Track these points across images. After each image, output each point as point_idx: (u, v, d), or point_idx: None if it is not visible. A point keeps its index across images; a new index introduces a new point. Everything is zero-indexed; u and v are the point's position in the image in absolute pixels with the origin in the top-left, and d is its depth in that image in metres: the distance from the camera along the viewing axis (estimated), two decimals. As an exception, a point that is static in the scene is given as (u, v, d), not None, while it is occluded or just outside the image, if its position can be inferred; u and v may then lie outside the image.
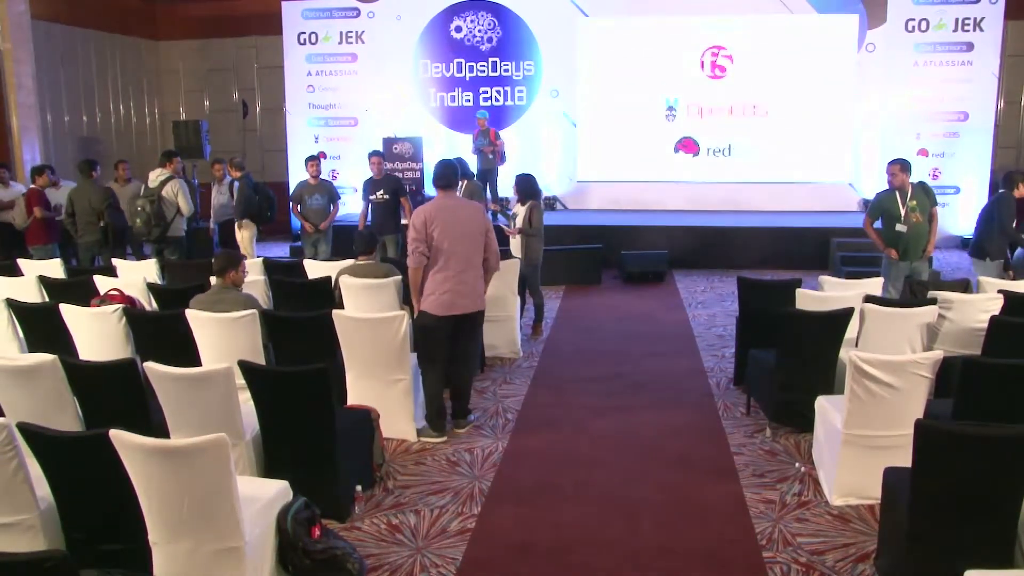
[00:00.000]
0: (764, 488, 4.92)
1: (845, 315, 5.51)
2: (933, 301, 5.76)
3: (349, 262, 6.82)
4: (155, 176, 9.53)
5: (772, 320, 5.76)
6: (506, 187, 13.33)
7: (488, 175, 12.74)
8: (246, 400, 4.55)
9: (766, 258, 11.87)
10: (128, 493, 3.45)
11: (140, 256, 10.29)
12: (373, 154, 10.02)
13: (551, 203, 13.90)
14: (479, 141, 12.78)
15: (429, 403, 5.77)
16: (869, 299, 5.82)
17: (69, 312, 5.88)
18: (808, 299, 6.02)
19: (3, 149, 12.46)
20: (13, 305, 6.23)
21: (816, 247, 11.92)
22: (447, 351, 5.71)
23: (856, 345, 5.71)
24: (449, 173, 5.71)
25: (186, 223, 9.79)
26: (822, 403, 5.06)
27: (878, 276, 6.82)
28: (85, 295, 6.56)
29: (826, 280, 6.72)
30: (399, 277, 6.52)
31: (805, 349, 5.55)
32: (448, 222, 5.54)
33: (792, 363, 5.59)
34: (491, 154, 12.62)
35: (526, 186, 8.22)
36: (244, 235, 10.29)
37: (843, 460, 4.61)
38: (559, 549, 4.28)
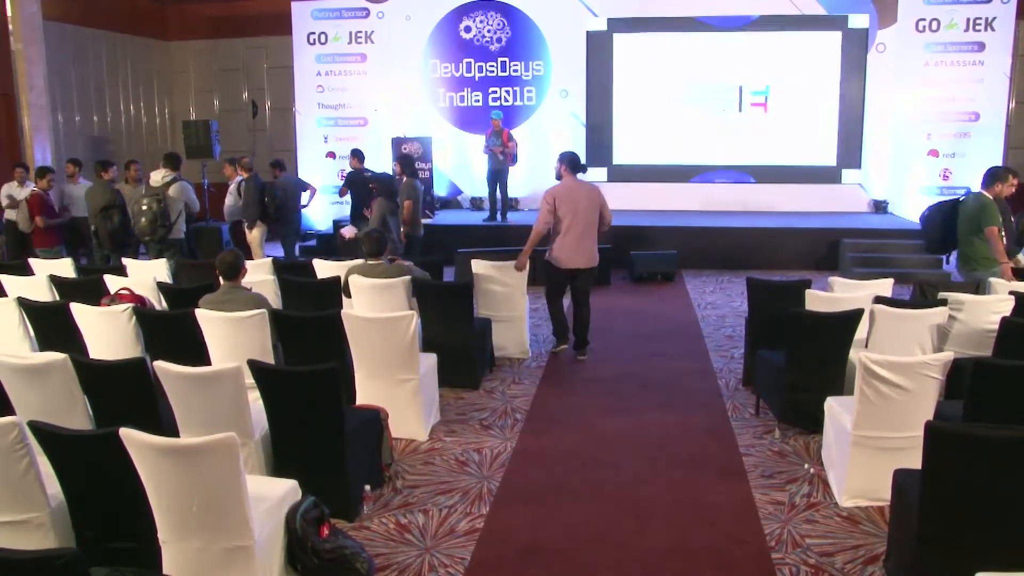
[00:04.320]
0: (773, 489, 4.90)
1: (855, 316, 5.49)
2: (943, 302, 5.73)
3: (359, 262, 6.83)
4: (159, 177, 9.56)
5: (782, 321, 5.75)
6: (517, 187, 13.39)
7: (499, 175, 12.71)
8: (255, 399, 4.56)
9: (776, 259, 11.85)
10: (138, 491, 3.46)
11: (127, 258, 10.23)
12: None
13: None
14: (491, 141, 12.76)
15: (555, 323, 7.77)
16: (879, 300, 5.80)
17: (79, 311, 5.90)
18: (818, 300, 6.00)
19: (15, 149, 12.52)
20: (24, 304, 6.25)
21: (826, 248, 11.89)
22: (566, 291, 7.69)
23: (866, 346, 5.70)
24: (576, 160, 7.38)
25: (185, 224, 9.79)
26: (831, 404, 5.04)
27: (888, 277, 6.78)
28: (95, 294, 6.59)
29: (836, 281, 6.70)
30: (408, 277, 6.53)
31: (815, 350, 5.53)
32: (570, 201, 7.25)
33: (802, 364, 5.57)
34: (501, 155, 12.61)
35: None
36: (254, 236, 10.32)
37: (853, 461, 4.59)
38: (567, 549, 4.27)
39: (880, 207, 13.60)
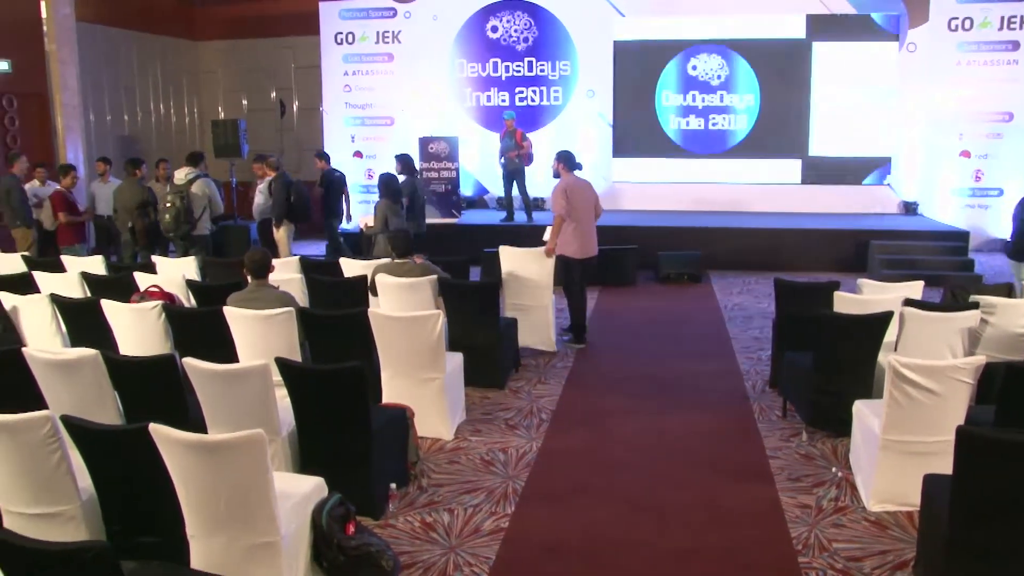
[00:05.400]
0: (800, 492, 4.87)
1: (884, 318, 5.44)
2: (975, 305, 5.67)
3: (386, 261, 6.86)
4: (182, 174, 9.65)
5: (810, 323, 5.71)
6: (543, 187, 13.36)
7: (516, 175, 12.68)
8: (282, 397, 4.59)
9: (803, 260, 11.76)
10: (166, 486, 3.50)
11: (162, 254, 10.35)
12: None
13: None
14: (505, 142, 12.71)
15: (580, 316, 8.07)
16: (909, 302, 5.74)
17: (110, 308, 5.96)
18: (846, 302, 5.95)
19: (47, 148, 12.67)
20: (57, 300, 6.32)
21: (854, 249, 11.79)
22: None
23: (895, 349, 5.63)
24: (572, 158, 7.92)
25: (210, 222, 9.87)
26: (860, 407, 5.00)
27: (918, 279, 6.71)
28: (125, 291, 6.66)
29: (865, 283, 6.64)
30: (435, 277, 6.55)
31: (843, 353, 5.49)
32: (580, 195, 7.83)
33: (830, 367, 5.53)
34: (516, 157, 12.57)
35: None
36: (281, 234, 10.39)
37: (881, 465, 4.55)
38: (592, 550, 4.27)
39: (910, 208, 13.45)
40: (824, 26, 13.45)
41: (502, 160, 12.78)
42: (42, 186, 10.64)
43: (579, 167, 8.02)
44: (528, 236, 11.35)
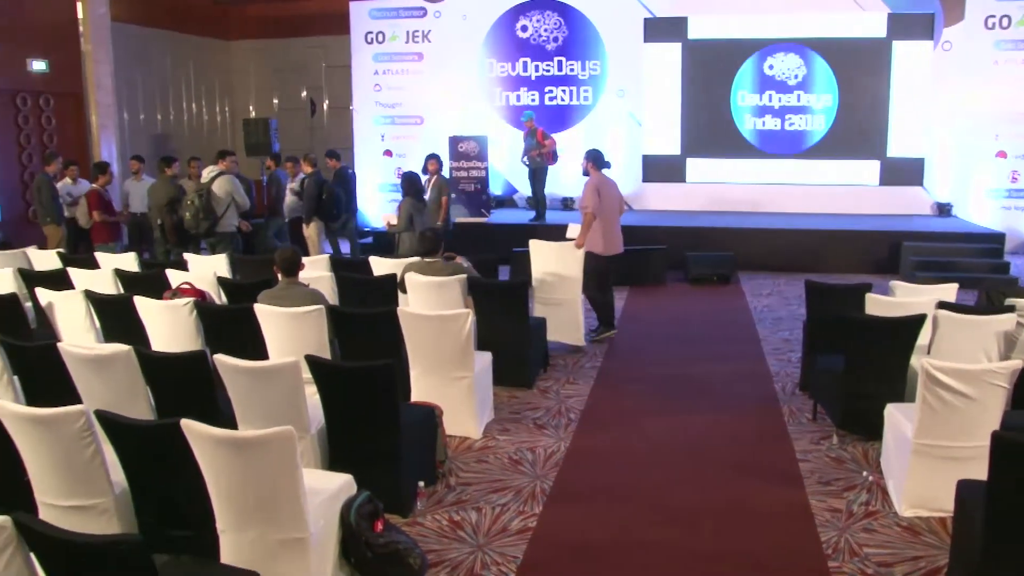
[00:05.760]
0: (830, 496, 4.83)
1: (917, 321, 5.38)
2: (1011, 308, 5.58)
3: (416, 259, 6.88)
4: (208, 172, 9.74)
5: (841, 325, 5.65)
6: (571, 187, 13.36)
7: (538, 174, 12.67)
8: (312, 394, 4.61)
9: (834, 262, 11.65)
10: (197, 481, 3.53)
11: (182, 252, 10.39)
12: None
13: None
14: (528, 142, 12.70)
15: (607, 311, 8.19)
16: (943, 305, 5.67)
17: (142, 304, 6.03)
18: (878, 304, 5.89)
19: (82, 146, 12.85)
20: (90, 296, 6.40)
21: (887, 251, 11.66)
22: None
23: (928, 352, 5.56)
24: (600, 157, 8.05)
25: (236, 219, 9.92)
26: (892, 411, 4.95)
27: (952, 282, 6.62)
28: (158, 288, 6.74)
29: (897, 285, 6.56)
30: (464, 276, 6.56)
31: (875, 355, 5.43)
32: (608, 192, 7.97)
33: (861, 369, 5.47)
34: (538, 156, 12.56)
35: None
36: (311, 231, 10.45)
37: (913, 470, 4.50)
38: (620, 551, 4.25)
39: (944, 210, 13.28)
40: (904, 25, 13.27)
41: (525, 159, 12.79)
42: (74, 184, 10.78)
43: (608, 166, 8.12)
44: (555, 236, 11.37)
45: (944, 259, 11.09)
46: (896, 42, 13.33)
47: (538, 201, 12.80)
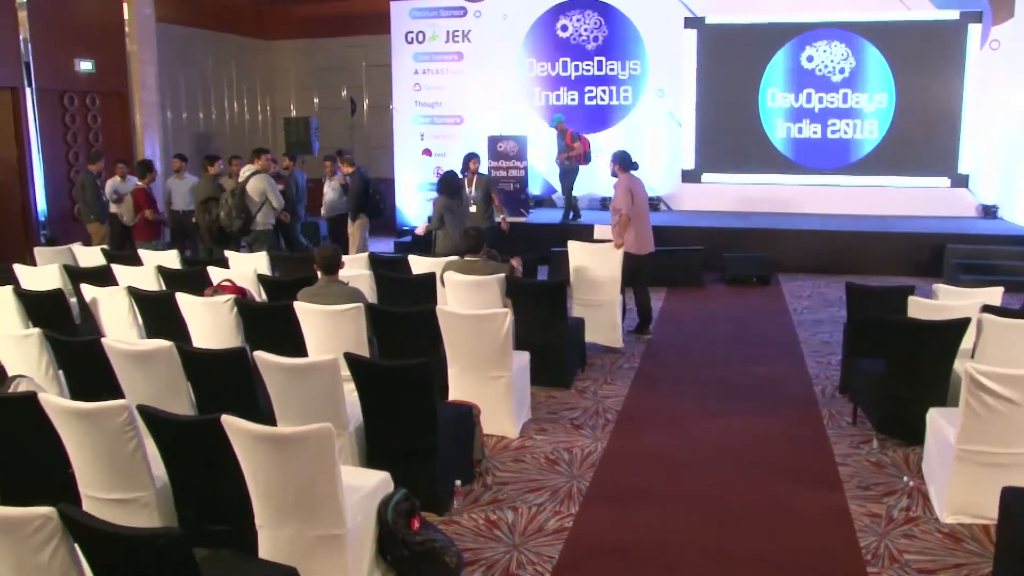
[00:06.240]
0: (870, 501, 4.77)
1: (961, 325, 5.29)
2: (1058, 313, 5.48)
3: (455, 258, 6.91)
4: (244, 171, 9.84)
5: (882, 328, 5.58)
6: (598, 186, 13.29)
7: (567, 175, 12.63)
8: (350, 391, 4.65)
9: (875, 263, 11.48)
10: (237, 477, 3.57)
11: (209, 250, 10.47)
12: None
13: (655, 204, 13.78)
14: (560, 144, 12.68)
15: (647, 310, 8.31)
16: (987, 309, 5.57)
17: (184, 301, 6.12)
18: (921, 307, 5.81)
19: (127, 144, 13.05)
20: (133, 293, 6.50)
21: (929, 253, 11.47)
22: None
23: (972, 356, 5.47)
24: (628, 158, 8.18)
25: (272, 217, 9.99)
26: (934, 416, 4.87)
27: (997, 285, 6.51)
28: (199, 285, 6.83)
29: (941, 288, 6.47)
30: (503, 275, 6.56)
31: (917, 359, 5.35)
32: (637, 190, 8.12)
33: (903, 373, 5.40)
34: (567, 160, 12.52)
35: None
36: (355, 228, 10.53)
37: (956, 476, 4.43)
38: (656, 553, 4.24)
39: (989, 212, 13.04)
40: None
41: (558, 161, 12.77)
42: (123, 182, 10.95)
43: (635, 167, 8.23)
44: (590, 235, 11.34)
45: (989, 262, 10.90)
46: (973, 26, 11.90)
47: (568, 201, 12.77)
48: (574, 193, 12.79)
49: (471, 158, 10.12)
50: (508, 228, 9.96)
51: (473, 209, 9.64)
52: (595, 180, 13.54)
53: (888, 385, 5.47)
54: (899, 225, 12.21)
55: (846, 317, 6.79)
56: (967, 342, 5.43)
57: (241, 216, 9.58)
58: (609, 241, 8.01)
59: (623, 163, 8.14)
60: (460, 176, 9.57)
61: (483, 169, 11.12)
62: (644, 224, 8.16)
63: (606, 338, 7.73)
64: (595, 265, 7.76)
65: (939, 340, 5.31)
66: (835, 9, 12.47)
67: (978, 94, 12.63)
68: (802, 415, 6.19)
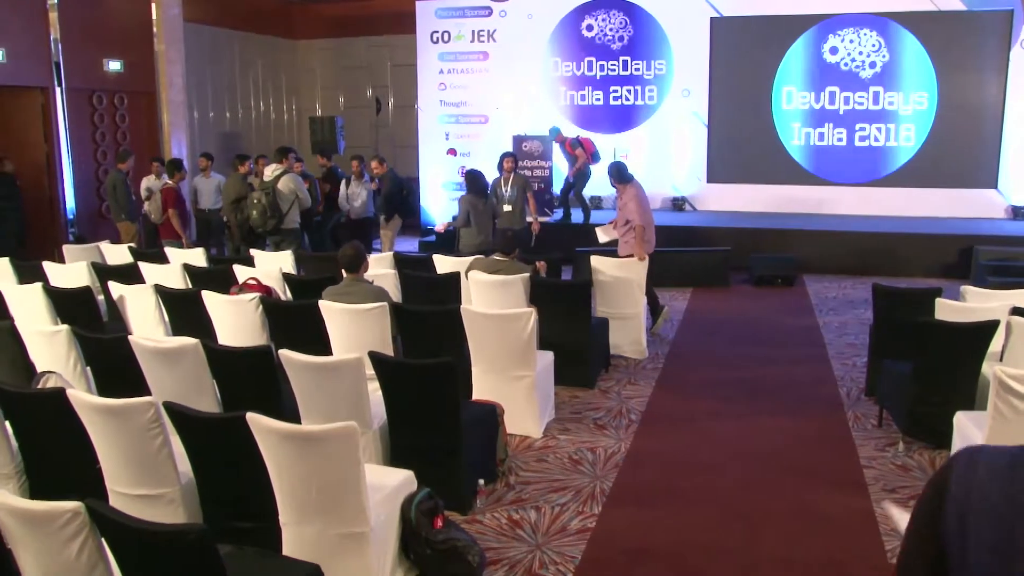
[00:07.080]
0: (895, 504, 4.73)
1: (990, 327, 5.23)
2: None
3: (481, 257, 6.92)
4: (271, 171, 9.89)
5: (909, 330, 5.52)
6: (599, 186, 13.24)
7: (581, 180, 12.59)
8: (375, 390, 4.67)
9: (902, 265, 11.37)
10: (261, 474, 3.60)
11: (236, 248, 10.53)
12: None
13: (680, 204, 13.73)
14: (566, 156, 12.68)
15: (651, 302, 8.24)
16: (1016, 311, 5.50)
17: (210, 299, 6.17)
18: (949, 309, 5.74)
19: (154, 143, 13.18)
20: (160, 291, 6.57)
21: (957, 255, 11.34)
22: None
23: (1001, 359, 5.41)
24: (625, 169, 8.26)
25: (300, 216, 10.05)
26: (961, 419, 4.82)
27: (1027, 287, 6.43)
28: (225, 283, 6.88)
29: (969, 290, 6.39)
30: (527, 275, 6.56)
31: (945, 362, 5.30)
32: (643, 196, 8.22)
33: (930, 376, 5.34)
34: (576, 173, 12.46)
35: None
36: (389, 230, 10.60)
37: (984, 480, 4.37)
38: (679, 554, 4.22)
39: (1019, 213, 12.86)
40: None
41: (569, 177, 12.74)
42: (158, 180, 11.05)
43: (631, 179, 8.29)
44: (588, 236, 11.30)
45: (1019, 264, 10.75)
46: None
47: (580, 203, 12.74)
48: (584, 192, 12.77)
49: (507, 156, 9.89)
50: (539, 229, 9.89)
51: (508, 208, 9.46)
52: (594, 180, 13.48)
53: (915, 388, 5.41)
54: (927, 226, 12.07)
55: (872, 319, 6.73)
56: (995, 345, 5.37)
57: (275, 216, 9.65)
58: (630, 256, 7.92)
59: (621, 176, 8.19)
60: (497, 175, 9.56)
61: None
62: (650, 227, 8.24)
63: (632, 350, 7.61)
64: (620, 279, 7.62)
65: (967, 343, 5.26)
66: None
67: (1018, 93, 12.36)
68: (827, 417, 6.15)
